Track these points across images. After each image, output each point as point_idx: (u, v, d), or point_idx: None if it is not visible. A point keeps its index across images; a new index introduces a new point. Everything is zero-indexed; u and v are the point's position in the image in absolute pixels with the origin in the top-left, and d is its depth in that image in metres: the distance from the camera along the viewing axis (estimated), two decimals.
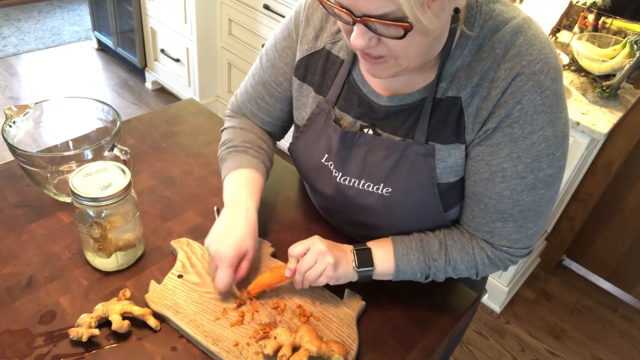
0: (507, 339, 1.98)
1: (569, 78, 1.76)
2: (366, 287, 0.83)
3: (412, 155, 0.76)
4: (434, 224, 0.84)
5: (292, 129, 0.99)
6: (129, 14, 2.92)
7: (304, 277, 0.79)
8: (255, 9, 2.35)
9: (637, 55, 1.61)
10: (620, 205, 2.09)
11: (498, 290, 2.04)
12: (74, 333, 0.72)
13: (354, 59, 0.81)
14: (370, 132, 0.80)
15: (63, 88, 3.11)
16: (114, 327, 0.74)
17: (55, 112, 1.01)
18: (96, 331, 0.73)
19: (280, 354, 0.71)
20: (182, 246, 0.90)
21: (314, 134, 0.86)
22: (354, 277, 0.81)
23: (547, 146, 0.70)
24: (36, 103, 0.98)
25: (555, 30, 1.86)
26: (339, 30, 0.82)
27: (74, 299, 0.80)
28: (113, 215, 0.80)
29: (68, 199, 0.96)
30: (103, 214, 0.79)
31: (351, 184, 0.82)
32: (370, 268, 0.80)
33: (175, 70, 2.89)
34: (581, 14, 1.80)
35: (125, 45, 3.14)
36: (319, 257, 0.78)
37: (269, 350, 0.72)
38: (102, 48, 3.55)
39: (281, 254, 0.91)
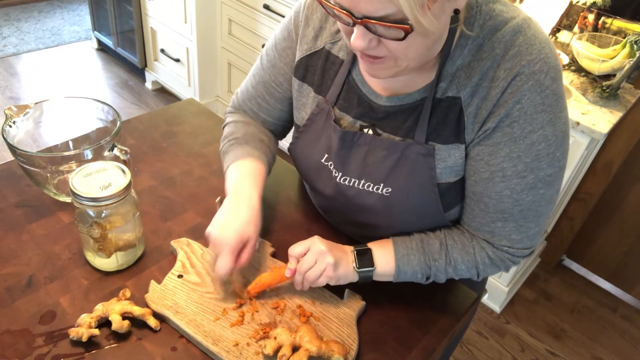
0: (507, 339, 1.98)
1: (569, 78, 1.76)
2: (366, 287, 0.83)
3: (412, 155, 0.76)
4: (434, 224, 0.84)
5: (292, 129, 0.99)
6: (129, 14, 2.92)
7: (304, 277, 0.78)
8: (255, 9, 2.35)
9: (637, 55, 1.61)
10: (620, 205, 2.09)
11: (498, 290, 2.04)
12: (74, 333, 0.72)
13: (354, 59, 0.81)
14: (370, 132, 0.80)
15: (63, 88, 3.11)
16: (114, 327, 0.74)
17: (55, 112, 1.01)
18: (96, 331, 0.73)
19: (280, 354, 0.71)
20: (182, 246, 0.90)
21: (313, 134, 0.86)
22: (354, 277, 0.81)
23: (547, 146, 0.70)
24: (36, 103, 0.98)
25: (555, 30, 1.86)
26: (338, 30, 0.82)
27: (74, 299, 0.80)
28: (113, 215, 0.80)
29: (68, 199, 0.96)
30: (103, 214, 0.79)
31: (351, 184, 0.82)
32: (371, 268, 0.80)
33: (175, 70, 2.89)
34: (581, 14, 1.80)
35: (125, 45, 3.14)
36: (319, 257, 0.78)
37: (269, 350, 0.72)
38: (102, 48, 3.55)
39: (281, 254, 0.91)
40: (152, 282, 0.82)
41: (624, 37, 1.71)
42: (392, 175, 0.78)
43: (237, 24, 2.52)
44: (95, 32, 3.40)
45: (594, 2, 1.75)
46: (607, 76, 1.71)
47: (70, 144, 1.04)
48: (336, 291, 0.84)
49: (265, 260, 0.89)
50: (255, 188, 0.85)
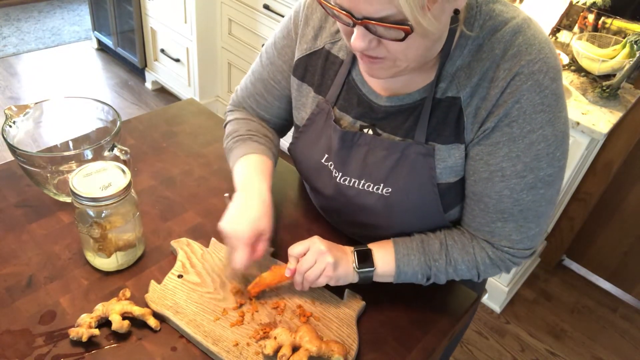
0: (507, 339, 1.98)
1: (569, 78, 1.76)
2: (366, 287, 0.83)
3: (412, 155, 0.76)
4: (434, 225, 0.84)
5: (292, 128, 0.99)
6: (129, 14, 2.92)
7: (303, 277, 0.79)
8: (255, 9, 2.35)
9: (637, 55, 1.61)
10: (620, 205, 2.09)
11: (498, 290, 2.04)
12: (74, 333, 0.72)
13: (354, 59, 0.81)
14: (370, 132, 0.80)
15: (63, 88, 3.11)
16: (114, 327, 0.74)
17: (55, 112, 1.01)
18: (96, 331, 0.74)
19: (280, 354, 0.71)
20: (182, 246, 0.90)
21: (313, 134, 0.86)
22: (354, 278, 0.81)
23: (547, 145, 0.70)
24: (36, 103, 0.98)
25: (555, 30, 1.86)
26: (338, 30, 0.82)
27: (74, 299, 0.80)
28: (113, 215, 0.80)
29: (68, 199, 0.96)
30: (103, 214, 0.79)
31: (351, 184, 0.82)
32: (371, 268, 0.80)
33: (175, 70, 2.89)
34: (581, 14, 1.80)
35: (125, 45, 3.14)
36: (318, 257, 0.78)
37: (269, 350, 0.72)
38: (102, 48, 3.55)
39: (281, 254, 0.91)
40: (152, 282, 0.82)
41: (624, 37, 1.71)
42: (392, 175, 0.78)
43: (237, 24, 2.52)
44: (95, 32, 3.40)
45: (594, 2, 1.75)
46: (607, 76, 1.71)
47: (70, 144, 1.04)
48: (336, 291, 0.84)
49: (265, 260, 0.89)
50: (264, 182, 0.85)
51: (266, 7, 2.27)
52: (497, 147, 0.71)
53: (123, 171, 0.81)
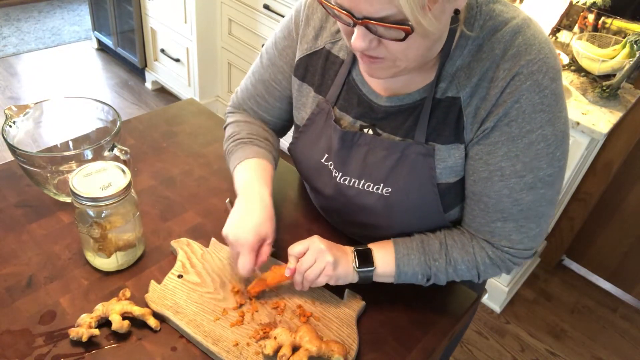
0: (507, 339, 1.98)
1: (569, 78, 1.76)
2: (366, 287, 0.83)
3: (412, 155, 0.76)
4: (434, 225, 0.84)
5: (292, 128, 0.99)
6: (129, 14, 2.92)
7: (303, 276, 0.79)
8: (255, 9, 2.35)
9: (637, 55, 1.61)
10: (620, 205, 2.09)
11: (498, 290, 2.04)
12: (74, 333, 0.72)
13: (354, 59, 0.81)
14: (370, 132, 0.80)
15: (63, 88, 3.11)
16: (114, 327, 0.74)
17: (55, 112, 1.01)
18: (96, 331, 0.73)
19: (280, 354, 0.71)
20: (182, 246, 0.90)
21: (314, 134, 0.86)
22: (354, 277, 0.81)
23: (547, 145, 0.70)
24: (36, 103, 0.98)
25: (555, 30, 1.86)
26: (338, 30, 0.82)
27: (74, 299, 0.80)
28: (113, 215, 0.80)
29: (68, 199, 0.96)
30: (103, 214, 0.79)
31: (351, 184, 0.82)
32: (371, 268, 0.80)
33: (175, 70, 2.89)
34: (581, 14, 1.80)
35: (125, 45, 3.14)
36: (318, 256, 0.78)
37: (269, 350, 0.72)
38: (102, 48, 3.55)
39: (281, 254, 0.91)
40: (152, 282, 0.82)
41: (624, 37, 1.71)
42: (392, 175, 0.78)
43: (237, 24, 2.52)
44: (95, 32, 3.40)
45: (594, 2, 1.75)
46: (607, 76, 1.71)
47: (70, 144, 1.04)
48: (336, 291, 0.84)
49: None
50: (265, 187, 0.85)
51: (266, 7, 2.27)
52: (496, 146, 0.71)
53: (123, 171, 0.81)
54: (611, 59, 1.66)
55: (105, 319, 0.76)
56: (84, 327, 0.73)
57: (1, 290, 0.80)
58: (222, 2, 2.53)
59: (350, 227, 0.95)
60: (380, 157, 0.79)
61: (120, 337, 0.76)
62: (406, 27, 0.57)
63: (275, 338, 0.73)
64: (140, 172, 1.08)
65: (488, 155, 0.73)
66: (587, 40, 1.76)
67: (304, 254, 0.79)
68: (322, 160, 0.85)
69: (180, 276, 0.84)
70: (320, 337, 0.74)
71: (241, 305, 0.81)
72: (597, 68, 1.67)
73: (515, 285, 2.13)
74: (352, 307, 0.83)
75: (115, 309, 0.75)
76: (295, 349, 0.73)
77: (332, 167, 0.84)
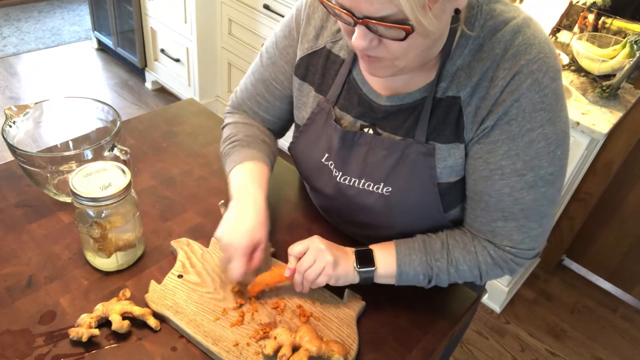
0: (507, 339, 1.98)
1: (569, 78, 1.76)
2: (366, 287, 0.83)
3: (412, 154, 0.76)
4: (435, 224, 0.84)
5: (292, 128, 0.99)
6: (129, 14, 2.92)
7: (303, 276, 0.78)
8: (255, 9, 2.35)
9: (637, 55, 1.61)
10: (620, 205, 2.09)
11: (498, 290, 2.04)
12: (74, 333, 0.72)
13: (355, 58, 0.81)
14: (371, 131, 0.80)
15: (63, 88, 3.11)
16: (114, 327, 0.74)
17: (55, 112, 1.01)
18: (96, 331, 0.73)
19: (280, 354, 0.71)
20: (182, 246, 0.90)
21: (314, 133, 0.86)
22: (354, 278, 0.80)
23: (547, 144, 0.70)
24: (36, 103, 0.98)
25: (555, 30, 1.86)
26: (339, 30, 0.82)
27: (74, 299, 0.80)
28: (113, 215, 0.80)
29: (68, 199, 0.96)
30: (103, 214, 0.79)
31: (351, 184, 0.82)
32: (372, 268, 0.80)
33: (175, 70, 2.89)
34: (581, 14, 1.80)
35: (125, 45, 3.14)
36: (318, 256, 0.78)
37: (269, 350, 0.72)
38: (102, 48, 3.55)
39: (281, 254, 0.91)
40: (152, 282, 0.82)
41: (624, 37, 1.71)
42: (392, 174, 0.78)
43: (237, 24, 2.52)
44: (95, 32, 3.40)
45: (594, 2, 1.75)
46: (607, 76, 1.71)
47: (70, 144, 1.04)
48: (336, 291, 0.84)
49: (265, 260, 0.89)
50: (260, 190, 0.85)
51: (266, 7, 2.27)
52: (497, 145, 0.71)
53: (123, 171, 0.81)
54: (611, 59, 1.66)
55: (105, 319, 0.76)
56: (84, 327, 0.73)
57: (1, 290, 0.80)
58: (222, 2, 2.53)
59: (350, 227, 0.95)
60: (380, 156, 0.79)
61: (120, 337, 0.76)
62: (407, 26, 0.57)
63: (275, 338, 0.73)
64: (140, 172, 1.08)
65: (488, 154, 0.73)
66: (587, 40, 1.76)
67: (304, 253, 0.79)
68: (323, 160, 0.85)
69: (180, 276, 0.84)
70: (320, 337, 0.74)
71: (241, 305, 0.81)
72: (597, 68, 1.67)
73: (515, 285, 2.13)
74: (352, 307, 0.83)
75: (115, 309, 0.75)
76: (295, 349, 0.73)
77: (332, 167, 0.84)
